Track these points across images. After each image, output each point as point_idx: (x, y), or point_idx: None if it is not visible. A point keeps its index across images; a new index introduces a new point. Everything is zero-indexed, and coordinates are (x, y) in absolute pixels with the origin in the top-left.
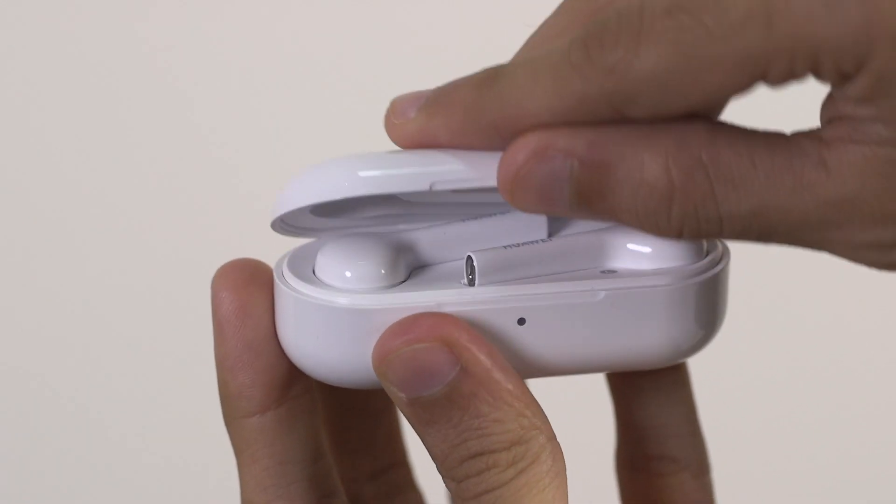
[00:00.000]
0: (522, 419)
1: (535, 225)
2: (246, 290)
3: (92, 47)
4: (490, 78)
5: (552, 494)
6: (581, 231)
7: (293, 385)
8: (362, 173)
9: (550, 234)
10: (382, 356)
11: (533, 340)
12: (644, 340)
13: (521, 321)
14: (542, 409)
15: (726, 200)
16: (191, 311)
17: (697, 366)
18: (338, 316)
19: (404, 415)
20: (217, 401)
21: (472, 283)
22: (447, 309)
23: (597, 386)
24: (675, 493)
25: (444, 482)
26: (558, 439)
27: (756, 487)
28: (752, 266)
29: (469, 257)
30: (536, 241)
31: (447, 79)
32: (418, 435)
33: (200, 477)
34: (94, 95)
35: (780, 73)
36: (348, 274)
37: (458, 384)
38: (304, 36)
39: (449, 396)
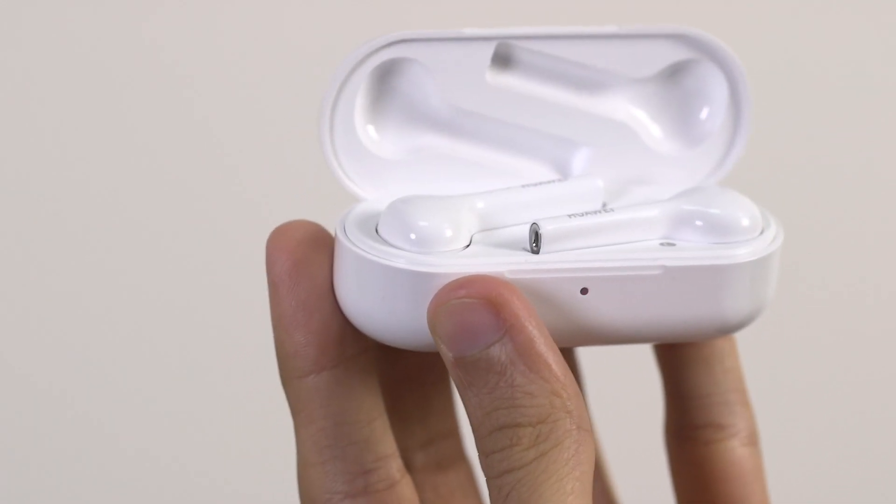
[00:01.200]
0: (555, 398)
1: (591, 194)
2: (299, 250)
3: (96, 44)
4: None
5: (571, 486)
6: (639, 202)
7: (348, 345)
8: None
9: (604, 205)
10: (434, 308)
11: (594, 309)
12: (699, 314)
13: (584, 290)
14: (581, 397)
15: None
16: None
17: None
18: (400, 277)
19: (451, 377)
20: (216, 402)
21: (535, 251)
22: (512, 276)
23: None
24: (722, 461)
25: (479, 457)
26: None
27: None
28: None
29: (534, 225)
30: (598, 212)
31: None
32: (462, 401)
33: (201, 477)
34: (95, 91)
35: None
36: (413, 236)
37: (500, 348)
38: (311, 33)
39: (489, 360)
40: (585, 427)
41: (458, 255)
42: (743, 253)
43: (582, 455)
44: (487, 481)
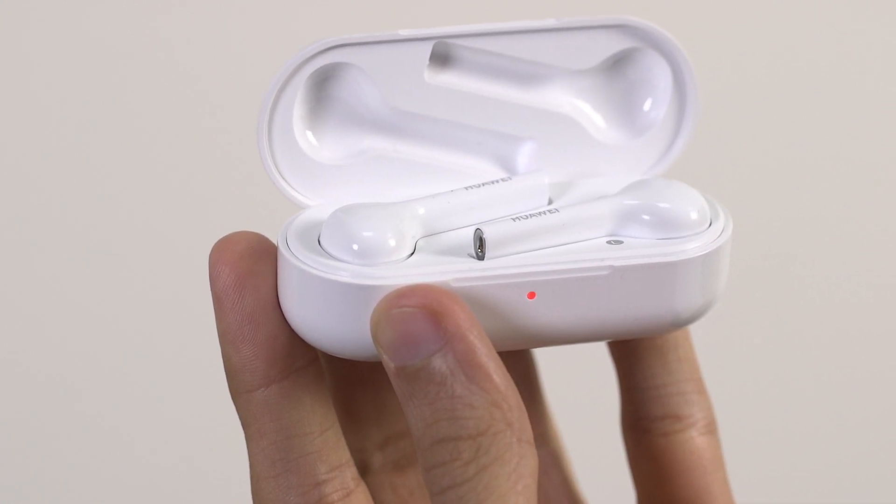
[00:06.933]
0: (495, 410)
1: (537, 191)
2: (243, 262)
3: (101, 41)
4: None
5: (514, 501)
6: (584, 200)
7: (297, 356)
8: None
9: (550, 201)
10: (376, 317)
11: (542, 313)
12: (651, 311)
13: (532, 295)
14: (522, 409)
15: None
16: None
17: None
18: (343, 291)
19: (394, 388)
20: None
21: (480, 257)
22: (457, 284)
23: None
24: (681, 452)
25: (421, 472)
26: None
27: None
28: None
29: (478, 230)
30: (543, 213)
31: None
32: (405, 413)
33: (200, 477)
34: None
35: None
36: (355, 247)
37: (441, 358)
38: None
39: (430, 370)
40: (527, 439)
41: (401, 266)
42: (692, 248)
43: (524, 468)
44: (431, 497)
